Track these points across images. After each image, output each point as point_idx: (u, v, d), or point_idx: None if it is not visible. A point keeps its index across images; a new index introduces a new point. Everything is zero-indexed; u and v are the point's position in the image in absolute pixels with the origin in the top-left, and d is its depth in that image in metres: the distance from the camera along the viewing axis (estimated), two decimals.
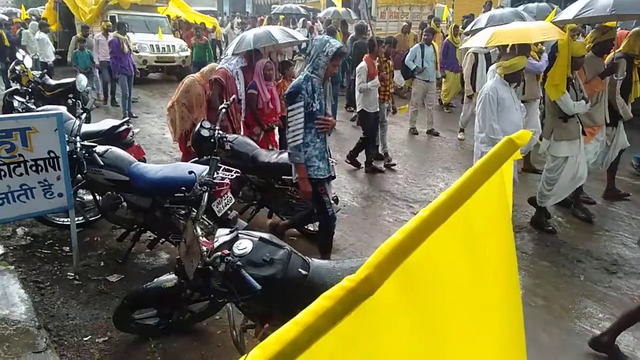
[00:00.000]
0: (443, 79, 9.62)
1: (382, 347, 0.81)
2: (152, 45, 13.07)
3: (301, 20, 14.67)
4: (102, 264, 4.00)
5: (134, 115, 9.36)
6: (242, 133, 5.44)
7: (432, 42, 8.40)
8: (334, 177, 4.34)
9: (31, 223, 4.52)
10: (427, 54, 8.22)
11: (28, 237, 4.38)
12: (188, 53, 13.38)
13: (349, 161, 6.62)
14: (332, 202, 3.94)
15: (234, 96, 5.03)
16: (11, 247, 4.17)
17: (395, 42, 7.32)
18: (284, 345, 0.74)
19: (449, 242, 0.84)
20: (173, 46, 13.57)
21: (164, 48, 13.34)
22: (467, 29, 8.62)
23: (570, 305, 3.56)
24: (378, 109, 6.40)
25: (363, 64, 6.22)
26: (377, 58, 6.38)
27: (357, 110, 6.54)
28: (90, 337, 3.12)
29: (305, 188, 3.50)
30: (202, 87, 5.54)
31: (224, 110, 4.57)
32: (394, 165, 6.73)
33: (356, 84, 6.30)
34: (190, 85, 5.48)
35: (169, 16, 15.58)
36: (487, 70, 7.02)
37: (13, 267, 3.81)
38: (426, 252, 0.79)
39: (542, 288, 3.76)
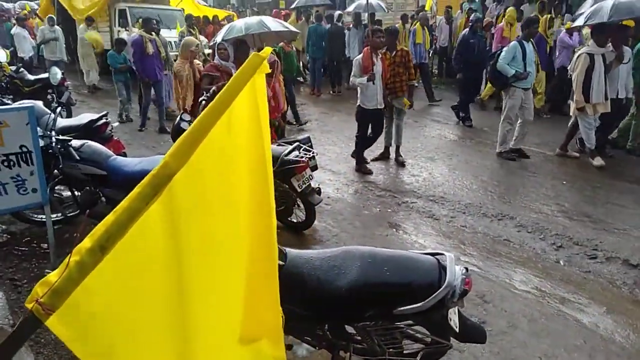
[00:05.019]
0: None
1: (188, 217, 1.08)
2: (172, 43, 10.52)
3: (336, 13, 11.87)
4: None
5: (168, 130, 7.32)
6: None
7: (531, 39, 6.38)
8: (316, 168, 4.33)
9: (8, 220, 4.42)
10: (529, 53, 6.18)
11: (5, 235, 4.28)
12: (210, 51, 12.24)
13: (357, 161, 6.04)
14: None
15: (214, 87, 4.92)
16: None
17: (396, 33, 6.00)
18: (107, 226, 0.95)
19: (220, 138, 1.12)
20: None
21: None
22: (579, 22, 6.33)
23: None
24: (380, 106, 5.71)
25: (359, 55, 5.61)
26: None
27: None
28: None
29: None
30: (186, 67, 6.04)
31: (203, 102, 4.50)
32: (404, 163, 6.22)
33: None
34: (176, 71, 6.22)
35: (183, 9, 13.06)
36: (605, 76, 5.73)
37: None
38: (206, 145, 1.07)
39: None
